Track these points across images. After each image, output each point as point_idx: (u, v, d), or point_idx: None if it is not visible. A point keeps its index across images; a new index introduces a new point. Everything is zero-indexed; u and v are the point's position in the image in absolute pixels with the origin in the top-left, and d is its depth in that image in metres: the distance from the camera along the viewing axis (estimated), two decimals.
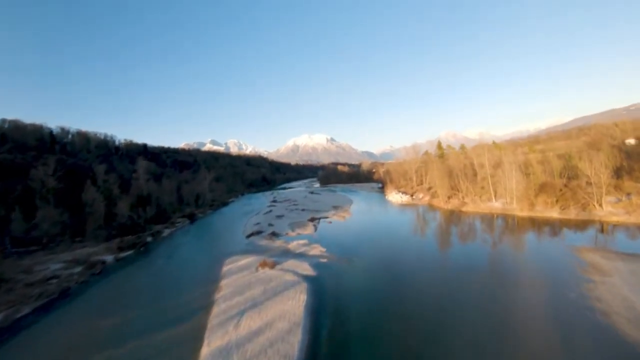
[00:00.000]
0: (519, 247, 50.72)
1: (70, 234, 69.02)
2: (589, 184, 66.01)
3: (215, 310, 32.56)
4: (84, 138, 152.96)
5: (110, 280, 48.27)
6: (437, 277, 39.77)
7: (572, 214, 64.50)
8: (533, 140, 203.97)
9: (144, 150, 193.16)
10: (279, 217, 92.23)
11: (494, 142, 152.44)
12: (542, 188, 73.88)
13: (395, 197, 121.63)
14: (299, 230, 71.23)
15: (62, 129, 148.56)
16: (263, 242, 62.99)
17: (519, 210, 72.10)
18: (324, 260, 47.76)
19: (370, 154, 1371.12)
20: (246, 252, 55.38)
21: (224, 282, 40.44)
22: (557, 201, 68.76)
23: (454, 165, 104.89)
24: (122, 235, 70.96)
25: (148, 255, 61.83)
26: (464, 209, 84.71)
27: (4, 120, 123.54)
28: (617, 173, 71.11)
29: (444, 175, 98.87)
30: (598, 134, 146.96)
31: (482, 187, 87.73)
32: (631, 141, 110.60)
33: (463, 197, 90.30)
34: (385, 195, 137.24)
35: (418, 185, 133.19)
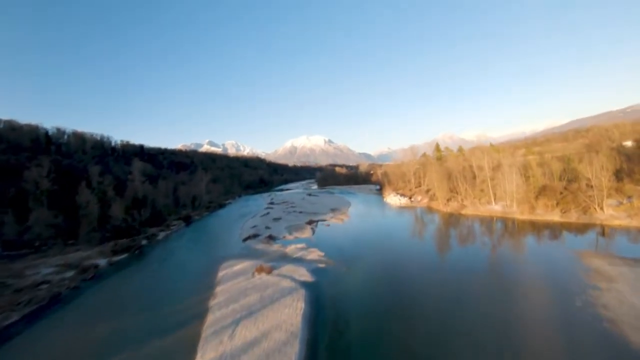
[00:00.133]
0: (521, 252, 49.77)
1: (64, 236, 67.64)
2: (589, 186, 65.41)
3: (210, 318, 31.41)
4: (79, 139, 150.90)
5: (102, 285, 46.95)
6: (438, 283, 38.71)
7: (573, 217, 63.71)
8: (530, 142, 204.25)
9: (141, 151, 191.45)
10: (276, 219, 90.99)
11: (491, 144, 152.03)
12: (542, 191, 73.15)
13: (393, 199, 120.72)
14: (296, 234, 70.05)
15: (58, 130, 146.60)
16: (260, 245, 61.76)
17: (519, 214, 71.31)
18: (322, 265, 46.63)
19: (367, 156, 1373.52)
20: (242, 256, 54.15)
21: (219, 289, 39.26)
22: (557, 204, 68.01)
23: (452, 167, 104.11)
24: (116, 238, 69.66)
25: (142, 259, 60.53)
26: (463, 211, 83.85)
27: None
28: (617, 175, 70.36)
29: (443, 178, 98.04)
30: (596, 136, 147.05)
31: (482, 190, 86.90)
32: (628, 143, 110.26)
33: (462, 200, 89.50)
34: (383, 198, 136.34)
35: (416, 187, 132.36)
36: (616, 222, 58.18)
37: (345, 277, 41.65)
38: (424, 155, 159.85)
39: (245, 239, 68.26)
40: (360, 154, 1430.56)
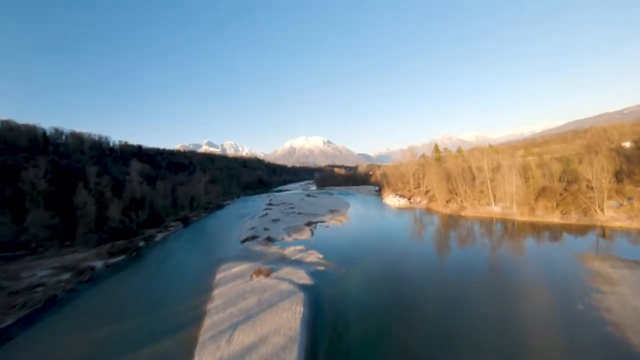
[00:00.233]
0: (522, 254, 49.36)
1: (60, 238, 66.99)
2: (589, 188, 65.10)
3: (207, 322, 30.89)
4: (77, 139, 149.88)
5: (98, 288, 46.33)
6: (438, 284, 38.32)
7: (574, 219, 63.38)
8: (529, 143, 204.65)
9: (139, 152, 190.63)
10: (275, 221, 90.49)
11: (490, 145, 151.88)
12: (542, 192, 72.81)
13: (392, 200, 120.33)
14: (295, 235, 69.51)
15: (56, 130, 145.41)
16: (258, 247, 61.21)
17: (519, 215, 70.97)
18: (321, 267, 46.11)
19: (366, 157, 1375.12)
20: (240, 258, 53.59)
21: (217, 292, 38.72)
22: (557, 206, 67.67)
23: (451, 168, 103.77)
24: (113, 240, 69.07)
25: (139, 261, 59.93)
26: (462, 213, 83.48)
27: None
28: (617, 177, 70.09)
29: (442, 179, 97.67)
30: (594, 137, 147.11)
31: (481, 191, 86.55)
32: (626, 144, 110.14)
33: (462, 201, 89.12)
34: (382, 199, 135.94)
35: (415, 188, 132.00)
36: (617, 224, 57.89)
37: (345, 280, 41.17)
38: (423, 156, 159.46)
39: (243, 241, 67.71)
40: (359, 154, 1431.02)
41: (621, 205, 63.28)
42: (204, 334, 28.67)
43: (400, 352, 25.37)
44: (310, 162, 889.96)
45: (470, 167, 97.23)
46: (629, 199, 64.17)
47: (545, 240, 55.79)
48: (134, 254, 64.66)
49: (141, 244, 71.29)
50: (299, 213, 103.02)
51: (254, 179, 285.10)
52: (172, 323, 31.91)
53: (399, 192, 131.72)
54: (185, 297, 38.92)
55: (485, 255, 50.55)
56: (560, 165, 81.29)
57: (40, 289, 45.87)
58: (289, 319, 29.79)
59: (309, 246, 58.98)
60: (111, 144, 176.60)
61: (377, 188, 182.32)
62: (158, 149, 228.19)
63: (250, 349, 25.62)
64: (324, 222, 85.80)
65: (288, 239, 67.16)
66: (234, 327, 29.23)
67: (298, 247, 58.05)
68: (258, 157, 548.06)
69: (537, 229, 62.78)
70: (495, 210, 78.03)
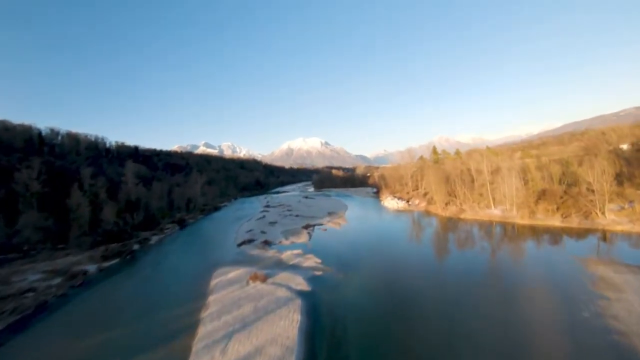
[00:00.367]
0: (524, 259, 48.47)
1: (54, 240, 65.71)
2: (589, 190, 64.38)
3: (202, 331, 29.76)
4: (73, 139, 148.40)
5: (90, 293, 45.07)
6: (439, 290, 37.39)
7: (575, 222, 62.68)
8: (527, 145, 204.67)
9: (135, 153, 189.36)
10: (272, 223, 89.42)
11: (487, 147, 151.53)
12: (542, 195, 72.14)
13: (390, 202, 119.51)
14: (292, 239, 68.41)
15: (52, 130, 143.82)
16: (255, 251, 60.04)
17: (520, 218, 70.19)
18: (319, 272, 44.99)
19: (364, 158, 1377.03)
20: (236, 262, 52.46)
21: (211, 298, 37.55)
22: (558, 209, 66.99)
23: (450, 170, 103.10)
24: (107, 243, 67.74)
25: (134, 265, 58.69)
26: (462, 216, 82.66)
27: None
28: (618, 179, 69.57)
29: (441, 181, 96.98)
30: (592, 139, 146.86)
31: (481, 194, 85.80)
32: (624, 146, 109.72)
33: (461, 204, 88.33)
34: (380, 201, 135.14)
35: (413, 190, 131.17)
36: (618, 228, 57.19)
37: (343, 286, 40.12)
38: (421, 158, 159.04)
39: (240, 244, 66.57)
40: (356, 156, 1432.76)
41: (622, 208, 62.66)
42: (197, 344, 27.56)
43: None
44: (308, 164, 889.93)
45: (469, 169, 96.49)
46: (630, 202, 63.56)
47: (546, 244, 55.02)
48: (128, 257, 63.43)
49: (136, 247, 70.00)
50: (297, 215, 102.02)
51: (252, 180, 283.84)
52: (165, 331, 30.79)
53: (397, 194, 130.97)
54: (179, 303, 37.75)
55: (486, 259, 49.69)
56: (560, 168, 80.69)
57: (30, 294, 44.61)
58: (286, 327, 28.73)
59: (306, 250, 57.95)
60: (107, 145, 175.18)
61: (375, 190, 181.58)
62: (155, 150, 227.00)
63: None
64: (322, 224, 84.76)
65: (285, 242, 66.07)
66: (229, 336, 28.15)
67: (295, 251, 56.92)
68: (256, 158, 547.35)
69: (537, 232, 62.04)
70: (495, 213, 77.24)
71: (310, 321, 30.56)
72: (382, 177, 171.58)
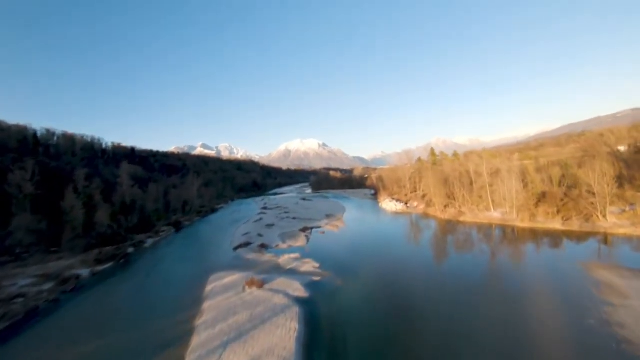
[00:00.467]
0: (526, 264, 47.39)
1: (47, 243, 64.41)
2: (590, 193, 63.56)
3: (195, 340, 28.65)
4: (69, 140, 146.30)
5: (82, 299, 43.94)
6: (441, 298, 36.40)
7: (576, 225, 61.87)
8: (524, 147, 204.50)
9: (132, 154, 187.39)
10: (269, 226, 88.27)
11: (485, 149, 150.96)
12: (542, 198, 71.35)
13: (389, 205, 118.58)
14: (290, 242, 67.31)
15: (48, 131, 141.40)
16: (251, 255, 58.91)
17: (520, 221, 69.32)
18: (317, 277, 43.93)
19: (361, 160, 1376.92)
20: (232, 267, 51.30)
21: (206, 305, 36.44)
22: (558, 212, 66.22)
23: (449, 172, 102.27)
24: (101, 246, 66.59)
25: (127, 269, 57.47)
26: (461, 219, 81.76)
27: None
28: (618, 182, 68.81)
29: (439, 183, 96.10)
30: (589, 140, 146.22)
31: (480, 197, 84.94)
32: (621, 148, 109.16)
33: (460, 206, 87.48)
34: (378, 203, 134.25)
35: (412, 192, 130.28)
36: (621, 231, 56.38)
37: (342, 291, 39.13)
38: (419, 160, 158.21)
39: (236, 248, 65.43)
40: (354, 157, 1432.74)
41: (623, 211, 61.96)
42: (190, 354, 26.46)
43: None
44: (306, 165, 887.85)
45: (467, 172, 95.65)
46: (631, 204, 62.87)
47: (548, 247, 54.19)
48: (122, 261, 62.26)
49: (130, 250, 68.83)
50: (294, 218, 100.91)
51: (249, 181, 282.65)
52: (157, 340, 29.68)
53: (396, 197, 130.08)
54: (173, 310, 36.64)
55: (487, 264, 48.80)
56: (560, 170, 79.93)
57: (20, 299, 43.50)
58: (283, 337, 27.66)
59: (304, 254, 56.94)
60: (104, 146, 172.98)
61: (373, 192, 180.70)
62: (152, 151, 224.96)
63: None
64: (319, 227, 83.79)
65: (283, 245, 65.01)
66: (224, 346, 27.06)
67: (293, 255, 55.93)
68: (253, 159, 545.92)
69: (538, 235, 61.21)
70: (495, 216, 76.40)
71: (308, 330, 29.51)
72: (380, 178, 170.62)
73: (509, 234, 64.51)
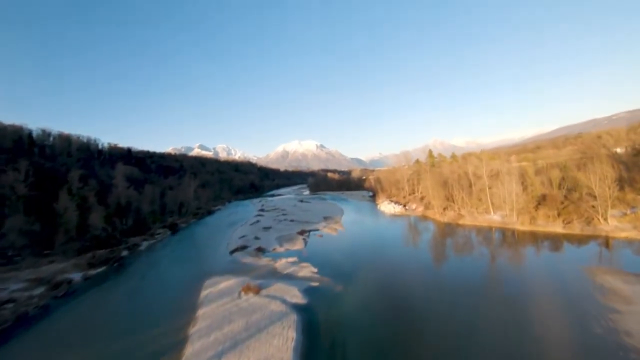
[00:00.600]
0: (528, 268, 46.43)
1: (40, 246, 63.05)
2: (590, 195, 62.86)
3: (189, 350, 27.52)
4: (65, 141, 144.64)
5: (73, 305, 42.73)
6: (444, 303, 35.46)
7: (577, 228, 61.06)
8: (521, 149, 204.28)
9: (128, 155, 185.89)
10: (266, 229, 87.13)
11: (483, 151, 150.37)
12: (542, 200, 70.56)
13: (387, 207, 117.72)
14: (287, 246, 66.15)
15: (43, 131, 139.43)
16: (248, 259, 57.78)
17: (520, 224, 68.50)
18: (315, 283, 42.83)
19: (359, 161, 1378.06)
20: (228, 271, 50.11)
21: (201, 312, 35.29)
22: (559, 215, 65.41)
23: (447, 174, 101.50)
24: (95, 249, 65.31)
25: (121, 274, 56.21)
26: (460, 221, 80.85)
27: None
28: (619, 184, 68.12)
29: (438, 186, 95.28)
30: (586, 142, 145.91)
31: (479, 199, 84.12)
32: (618, 150, 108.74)
33: (459, 209, 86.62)
34: (376, 205, 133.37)
35: (410, 194, 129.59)
36: (623, 234, 55.58)
37: (341, 298, 38.08)
38: (417, 161, 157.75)
39: (232, 251, 64.31)
40: (352, 159, 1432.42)
41: (624, 214, 61.26)
42: None
43: None
44: (304, 166, 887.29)
45: (466, 173, 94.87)
46: (633, 207, 62.20)
47: (549, 251, 53.35)
48: (115, 264, 61.05)
49: (124, 253, 67.56)
50: (292, 220, 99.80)
51: (246, 183, 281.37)
52: (149, 350, 28.58)
53: (394, 199, 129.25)
54: (166, 317, 35.48)
55: (489, 269, 47.96)
56: (559, 172, 79.22)
57: (10, 305, 42.33)
58: (279, 347, 26.60)
59: (301, 258, 55.88)
60: (100, 147, 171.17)
61: (371, 194, 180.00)
62: (148, 152, 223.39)
63: None
64: (317, 230, 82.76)
65: (280, 249, 63.93)
66: (219, 356, 25.96)
67: (290, 259, 54.84)
68: (251, 160, 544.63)
69: (539, 239, 60.39)
70: (495, 219, 75.56)
71: (306, 339, 28.43)
72: (378, 180, 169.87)
73: (509, 237, 63.68)
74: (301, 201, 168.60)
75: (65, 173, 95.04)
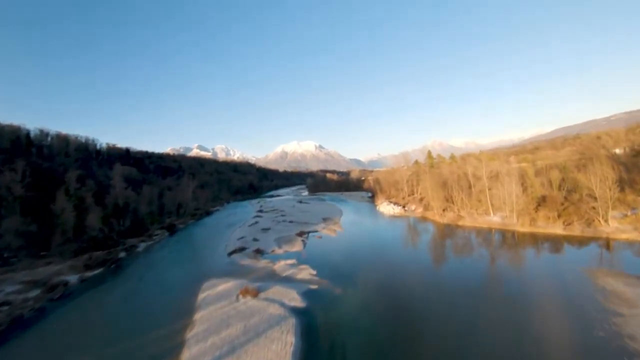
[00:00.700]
0: (528, 270, 46.10)
1: (36, 247, 62.50)
2: (590, 197, 62.55)
3: (186, 355, 27.02)
4: (63, 141, 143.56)
5: (69, 308, 42.17)
6: (443, 304, 35.22)
7: (577, 230, 60.77)
8: (520, 150, 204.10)
9: (126, 155, 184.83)
10: (265, 230, 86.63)
11: (482, 152, 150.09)
12: (542, 201, 70.25)
13: (386, 208, 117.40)
14: (286, 247, 65.67)
15: (41, 131, 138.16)
16: (246, 261, 57.29)
17: (520, 226, 68.16)
18: (314, 286, 42.34)
19: (358, 162, 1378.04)
20: (227, 273, 49.66)
21: (198, 315, 34.78)
22: (559, 216, 65.12)
23: (447, 175, 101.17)
24: (92, 250, 64.70)
25: (118, 276, 55.63)
26: (460, 223, 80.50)
27: None
28: (619, 186, 67.80)
29: (438, 187, 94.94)
30: (585, 143, 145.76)
31: (479, 200, 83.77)
32: (617, 151, 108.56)
33: (458, 210, 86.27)
34: (375, 206, 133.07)
35: (409, 195, 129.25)
36: (623, 236, 55.30)
37: (341, 301, 37.63)
38: (416, 162, 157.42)
39: (230, 253, 63.81)
40: (350, 159, 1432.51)
41: (625, 215, 60.99)
42: None
43: None
44: (302, 167, 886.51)
45: (466, 174, 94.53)
46: (633, 209, 61.93)
47: (550, 253, 53.07)
48: (112, 266, 60.49)
49: (122, 255, 66.98)
50: (291, 221, 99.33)
51: (245, 184, 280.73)
52: (145, 354, 28.10)
53: (393, 199, 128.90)
54: (163, 320, 34.94)
55: (489, 270, 47.67)
56: (559, 173, 78.93)
57: (5, 307, 41.75)
58: (278, 352, 26.13)
59: (300, 260, 55.48)
60: (98, 147, 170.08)
61: (369, 194, 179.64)
62: (147, 152, 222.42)
63: None
64: (316, 231, 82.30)
65: (279, 251, 63.44)
66: None
67: (289, 261, 54.38)
68: (249, 161, 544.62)
69: (539, 240, 60.11)
70: (494, 220, 75.21)
71: (305, 344, 27.96)
72: (377, 181, 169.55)
73: (509, 239, 63.37)
74: (300, 202, 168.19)
75: (62, 173, 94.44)
